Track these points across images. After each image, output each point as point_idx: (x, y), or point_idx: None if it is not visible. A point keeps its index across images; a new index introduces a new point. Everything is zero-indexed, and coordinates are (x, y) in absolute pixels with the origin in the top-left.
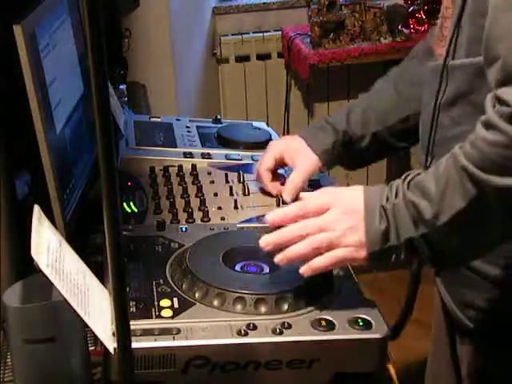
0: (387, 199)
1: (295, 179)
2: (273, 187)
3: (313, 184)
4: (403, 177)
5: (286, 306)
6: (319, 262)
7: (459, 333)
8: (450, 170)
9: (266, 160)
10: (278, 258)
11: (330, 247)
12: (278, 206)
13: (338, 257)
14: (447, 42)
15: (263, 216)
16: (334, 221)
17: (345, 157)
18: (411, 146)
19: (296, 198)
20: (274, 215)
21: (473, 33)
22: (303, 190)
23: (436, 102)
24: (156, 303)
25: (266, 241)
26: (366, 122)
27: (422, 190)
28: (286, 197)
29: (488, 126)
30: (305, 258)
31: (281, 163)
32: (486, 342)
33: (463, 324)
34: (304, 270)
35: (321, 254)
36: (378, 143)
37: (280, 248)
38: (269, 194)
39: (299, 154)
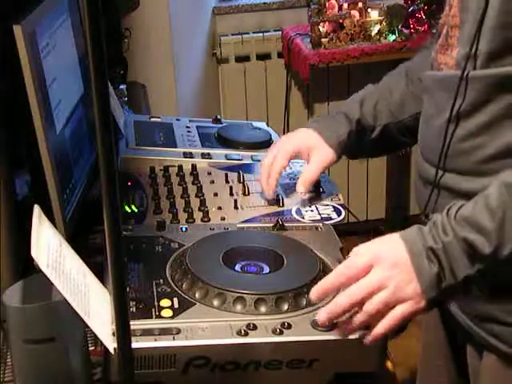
0: (433, 238)
1: (309, 172)
2: (272, 191)
3: (314, 185)
4: (445, 212)
5: (285, 306)
6: (382, 328)
7: (474, 347)
8: (507, 201)
9: (281, 158)
10: (341, 334)
11: (387, 308)
12: (279, 206)
13: (398, 316)
14: (463, 52)
15: (263, 216)
16: (383, 279)
17: (354, 147)
18: (412, 143)
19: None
20: (317, 290)
21: (494, 45)
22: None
23: (451, 113)
24: (156, 303)
25: (324, 317)
26: (378, 114)
27: (474, 224)
28: (299, 188)
29: None
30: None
31: (294, 158)
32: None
33: (481, 338)
34: (369, 340)
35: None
36: (387, 136)
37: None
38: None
39: (314, 149)
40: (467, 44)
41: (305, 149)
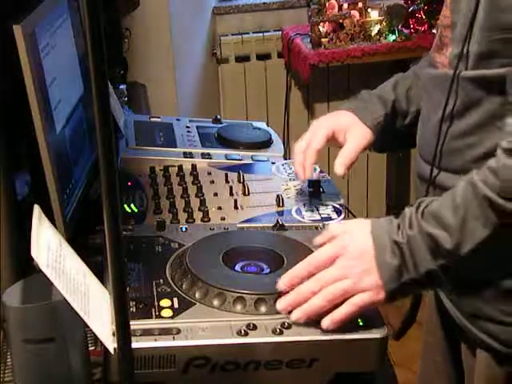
0: (400, 231)
1: (348, 151)
2: (309, 173)
3: (314, 185)
4: (415, 206)
5: None
6: (340, 314)
7: (468, 345)
8: (470, 200)
9: (317, 140)
10: (296, 316)
11: (345, 296)
12: (279, 206)
13: (357, 304)
14: (455, 52)
15: (263, 216)
16: (345, 268)
17: (390, 132)
18: None
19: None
20: (283, 280)
21: (483, 47)
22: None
23: (444, 112)
24: (156, 303)
25: (283, 304)
26: (411, 99)
27: (439, 220)
28: (338, 170)
29: None
30: (323, 312)
31: (330, 141)
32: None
33: (476, 336)
34: (327, 324)
35: (340, 304)
36: (417, 124)
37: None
38: (270, 192)
39: (350, 128)
40: (459, 44)
41: (340, 129)
